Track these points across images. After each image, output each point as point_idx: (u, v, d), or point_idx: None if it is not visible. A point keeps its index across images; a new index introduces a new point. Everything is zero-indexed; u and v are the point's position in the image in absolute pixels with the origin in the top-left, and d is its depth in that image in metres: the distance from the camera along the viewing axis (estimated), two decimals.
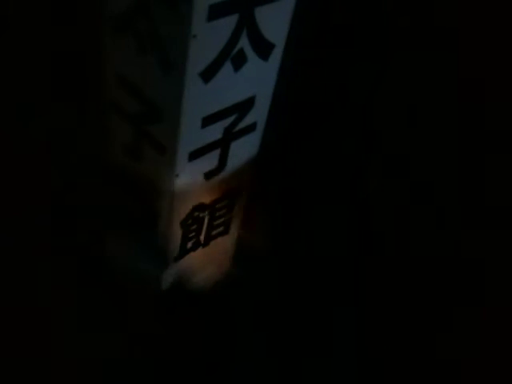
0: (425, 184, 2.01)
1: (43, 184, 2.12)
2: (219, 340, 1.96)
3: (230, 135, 1.55)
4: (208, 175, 1.60)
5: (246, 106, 1.53)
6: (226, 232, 1.91)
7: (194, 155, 1.48)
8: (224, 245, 1.95)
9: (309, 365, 1.95)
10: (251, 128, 1.61)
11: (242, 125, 1.56)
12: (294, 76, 1.83)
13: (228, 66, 1.36)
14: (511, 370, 1.72)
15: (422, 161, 2.02)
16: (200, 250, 1.85)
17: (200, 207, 1.68)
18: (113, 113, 1.62)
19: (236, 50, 1.34)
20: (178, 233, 1.69)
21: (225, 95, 1.44)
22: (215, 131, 1.50)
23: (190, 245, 1.79)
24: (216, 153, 1.56)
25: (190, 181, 1.54)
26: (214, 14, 1.22)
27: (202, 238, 1.81)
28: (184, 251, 1.78)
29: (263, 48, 1.42)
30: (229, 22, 1.28)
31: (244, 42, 1.35)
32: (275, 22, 1.40)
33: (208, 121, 1.44)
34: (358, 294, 2.13)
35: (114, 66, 1.53)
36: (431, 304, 1.94)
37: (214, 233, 1.85)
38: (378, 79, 2.08)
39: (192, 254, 1.83)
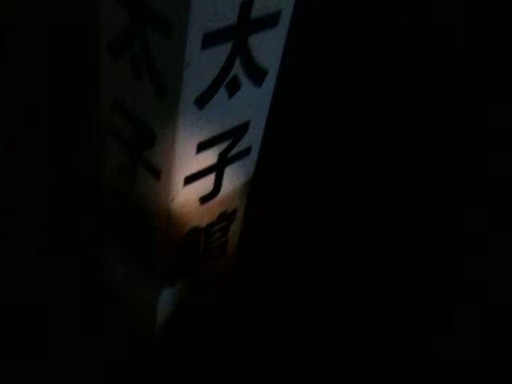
0: (425, 184, 2.00)
1: (43, 184, 2.13)
2: (221, 340, 1.96)
3: (224, 160, 1.56)
4: (203, 199, 1.61)
5: (241, 130, 1.55)
6: (222, 254, 1.91)
7: (189, 180, 1.50)
8: (221, 266, 1.96)
9: (310, 364, 1.95)
10: (246, 152, 1.63)
11: (236, 149, 1.58)
12: (294, 76, 1.84)
13: (222, 93, 1.38)
14: (511, 369, 1.72)
15: (423, 160, 2.02)
16: (196, 273, 1.85)
17: (195, 230, 1.68)
18: (108, 136, 1.64)
19: (230, 76, 1.36)
20: (173, 256, 1.70)
21: (219, 121, 1.46)
22: (210, 156, 1.51)
23: (185, 268, 1.79)
24: (211, 177, 1.57)
25: (185, 205, 1.55)
26: (208, 42, 1.24)
27: (198, 260, 1.82)
28: (179, 274, 1.79)
29: (257, 74, 1.44)
30: (223, 50, 1.30)
31: (238, 69, 1.37)
32: (268, 49, 1.43)
33: (203, 146, 1.45)
34: (357, 294, 2.12)
35: (109, 90, 1.55)
36: (431, 304, 1.94)
37: (211, 255, 1.86)
38: (378, 78, 2.09)
39: (188, 277, 1.83)
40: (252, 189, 1.80)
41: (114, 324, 1.90)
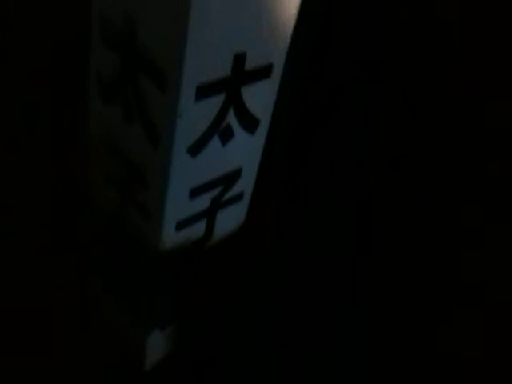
0: (425, 183, 2.00)
1: (43, 184, 2.12)
2: (220, 340, 1.95)
3: (217, 205, 1.58)
4: (195, 244, 1.62)
5: (233, 177, 1.57)
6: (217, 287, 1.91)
7: (181, 225, 1.51)
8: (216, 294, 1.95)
9: (309, 364, 1.94)
10: (238, 197, 1.65)
11: (229, 195, 1.60)
12: (294, 75, 1.84)
13: (215, 141, 1.41)
14: (511, 368, 1.72)
15: (423, 160, 2.01)
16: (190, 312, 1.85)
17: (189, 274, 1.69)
18: (99, 175, 1.65)
19: (223, 126, 1.39)
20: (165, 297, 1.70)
21: (212, 167, 1.48)
22: (202, 201, 1.53)
23: (178, 310, 1.79)
24: (203, 222, 1.59)
25: (177, 249, 1.56)
26: (202, 93, 1.27)
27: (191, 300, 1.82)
28: (173, 317, 1.78)
29: (250, 123, 1.46)
30: (216, 101, 1.33)
31: (231, 119, 1.40)
32: (261, 99, 1.46)
33: (195, 192, 1.47)
34: (357, 294, 2.11)
35: (100, 130, 1.57)
36: (431, 303, 1.93)
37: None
38: (378, 78, 2.09)
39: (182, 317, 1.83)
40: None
41: (114, 324, 1.88)
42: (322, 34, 2.07)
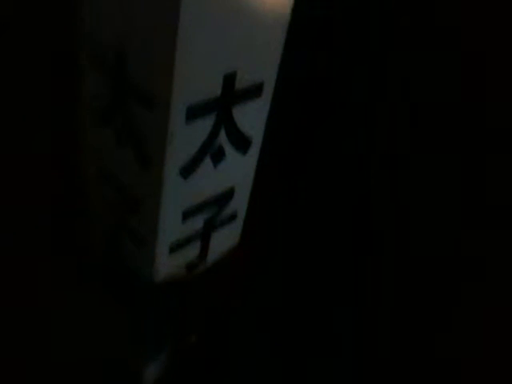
0: (425, 183, 1.99)
1: (43, 184, 2.07)
2: (221, 340, 1.93)
3: (210, 226, 1.56)
4: (190, 266, 1.59)
5: (226, 197, 1.54)
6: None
7: (175, 248, 1.48)
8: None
9: (309, 364, 1.92)
10: (232, 217, 1.62)
11: (222, 215, 1.57)
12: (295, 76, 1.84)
13: (207, 162, 1.39)
14: (511, 369, 1.70)
15: (423, 160, 2.00)
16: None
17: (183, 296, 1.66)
18: (94, 198, 1.63)
19: (215, 146, 1.37)
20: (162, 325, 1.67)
21: (204, 189, 1.46)
22: (195, 223, 1.50)
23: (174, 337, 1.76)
24: (197, 244, 1.56)
25: (171, 272, 1.54)
26: (192, 115, 1.25)
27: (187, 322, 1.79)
28: (170, 340, 1.75)
29: (242, 143, 1.45)
30: (207, 121, 1.31)
31: (222, 139, 1.38)
32: (253, 118, 1.44)
33: (188, 214, 1.45)
34: (357, 294, 2.10)
35: (93, 155, 1.55)
36: (431, 304, 1.92)
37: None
38: (379, 78, 2.08)
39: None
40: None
41: (114, 323, 1.84)
42: (322, 34, 2.06)
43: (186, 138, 1.28)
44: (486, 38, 1.76)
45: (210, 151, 1.37)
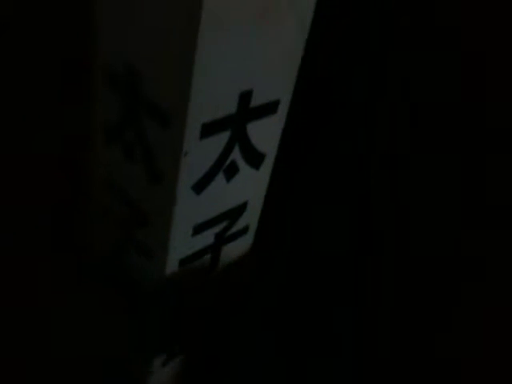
0: (425, 184, 1.97)
1: (43, 183, 2.06)
2: (221, 339, 1.92)
3: (221, 240, 1.55)
4: (198, 276, 1.59)
5: (238, 211, 1.54)
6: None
7: (184, 262, 1.48)
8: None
9: (310, 364, 1.93)
10: (243, 231, 1.61)
11: (233, 229, 1.57)
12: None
13: (220, 177, 1.38)
14: (511, 370, 1.70)
15: (423, 160, 1.98)
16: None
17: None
18: (100, 211, 1.62)
19: (228, 162, 1.36)
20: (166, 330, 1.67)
21: (217, 203, 1.44)
22: (206, 237, 1.50)
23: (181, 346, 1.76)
24: (207, 257, 1.56)
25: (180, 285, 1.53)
26: (207, 132, 1.24)
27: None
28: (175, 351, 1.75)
29: (255, 159, 1.44)
30: (221, 138, 1.30)
31: (236, 155, 1.37)
32: (267, 134, 1.43)
33: (199, 229, 1.44)
34: (357, 294, 2.09)
35: (102, 169, 1.55)
36: (431, 304, 1.91)
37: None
38: (379, 79, 2.06)
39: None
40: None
41: (114, 323, 1.84)
42: (322, 34, 2.05)
43: (199, 154, 1.27)
44: (486, 38, 1.74)
45: (224, 167, 1.36)
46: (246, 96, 1.26)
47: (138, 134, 1.31)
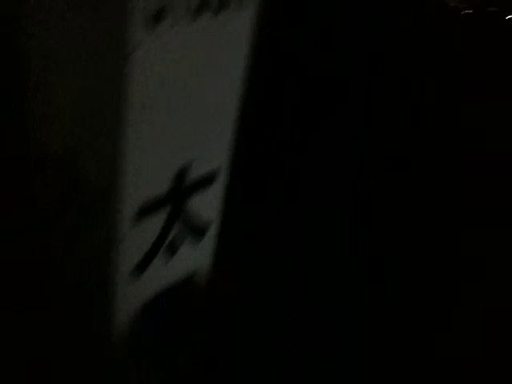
0: (425, 184, 1.99)
1: (43, 183, 1.98)
2: (221, 339, 1.90)
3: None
4: None
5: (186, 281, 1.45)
6: None
7: None
8: None
9: (310, 364, 1.91)
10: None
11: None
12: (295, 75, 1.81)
13: (161, 257, 1.29)
14: (511, 370, 1.72)
15: (423, 160, 2.00)
16: None
17: None
18: None
19: (168, 240, 1.28)
20: None
21: (160, 281, 1.36)
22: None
23: None
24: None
25: None
26: (144, 213, 1.16)
27: None
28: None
29: (197, 233, 1.36)
30: (160, 217, 1.21)
31: (176, 232, 1.29)
32: (207, 204, 1.35)
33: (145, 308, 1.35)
34: (357, 294, 2.08)
35: None
36: (431, 304, 1.93)
37: None
38: (379, 78, 2.05)
39: None
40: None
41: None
42: (322, 34, 2.04)
43: (137, 238, 1.18)
44: (486, 39, 1.78)
45: (164, 245, 1.28)
46: (181, 173, 1.18)
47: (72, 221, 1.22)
